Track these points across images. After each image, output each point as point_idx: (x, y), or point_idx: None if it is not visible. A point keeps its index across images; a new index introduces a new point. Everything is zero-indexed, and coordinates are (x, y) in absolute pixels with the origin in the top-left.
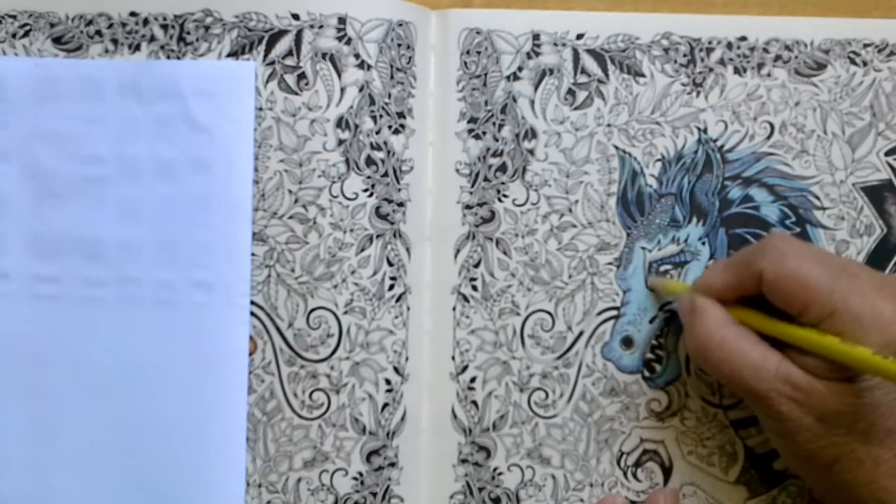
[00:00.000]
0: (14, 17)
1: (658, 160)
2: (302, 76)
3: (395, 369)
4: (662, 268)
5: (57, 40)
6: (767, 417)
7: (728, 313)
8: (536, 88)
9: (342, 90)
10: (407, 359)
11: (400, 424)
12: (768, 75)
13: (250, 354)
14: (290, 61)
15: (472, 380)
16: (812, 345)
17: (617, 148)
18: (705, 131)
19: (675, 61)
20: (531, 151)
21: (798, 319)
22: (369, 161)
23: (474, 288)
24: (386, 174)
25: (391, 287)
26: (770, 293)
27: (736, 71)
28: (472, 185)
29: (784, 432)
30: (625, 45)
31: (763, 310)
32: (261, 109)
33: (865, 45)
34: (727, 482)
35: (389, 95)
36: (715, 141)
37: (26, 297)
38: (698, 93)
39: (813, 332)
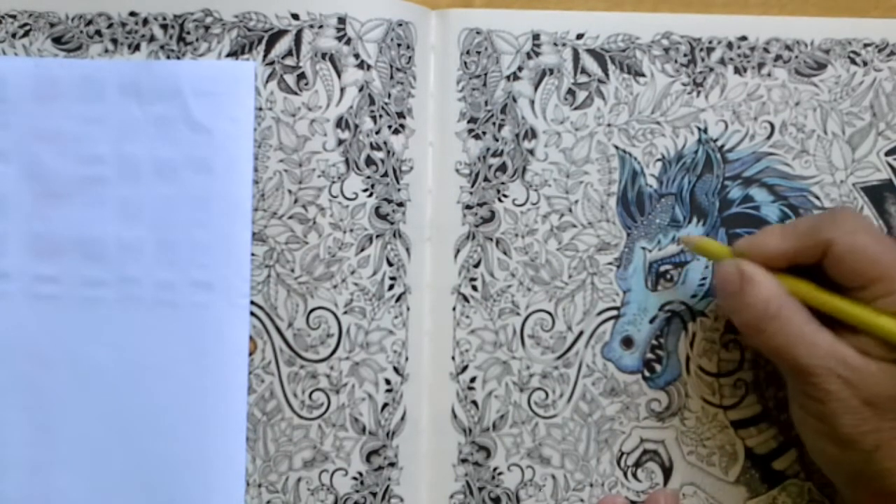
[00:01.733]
0: (14, 17)
1: (658, 160)
2: (302, 76)
3: (395, 369)
4: (662, 268)
5: (57, 40)
6: (809, 397)
7: (781, 283)
8: (536, 88)
9: (342, 90)
10: (407, 359)
11: (400, 424)
12: (768, 75)
13: (250, 354)
14: (289, 61)
15: (472, 380)
16: (866, 322)
17: (617, 148)
18: (705, 131)
19: (676, 61)
20: (531, 151)
21: (854, 295)
22: (369, 161)
23: (474, 288)
24: (386, 174)
25: (391, 287)
26: (835, 265)
27: (736, 71)
28: (472, 185)
29: (826, 414)
30: (625, 44)
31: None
32: (261, 109)
33: (865, 45)
34: (727, 482)
35: (389, 95)
36: (715, 141)
37: (26, 297)
38: (698, 93)
39: (868, 310)
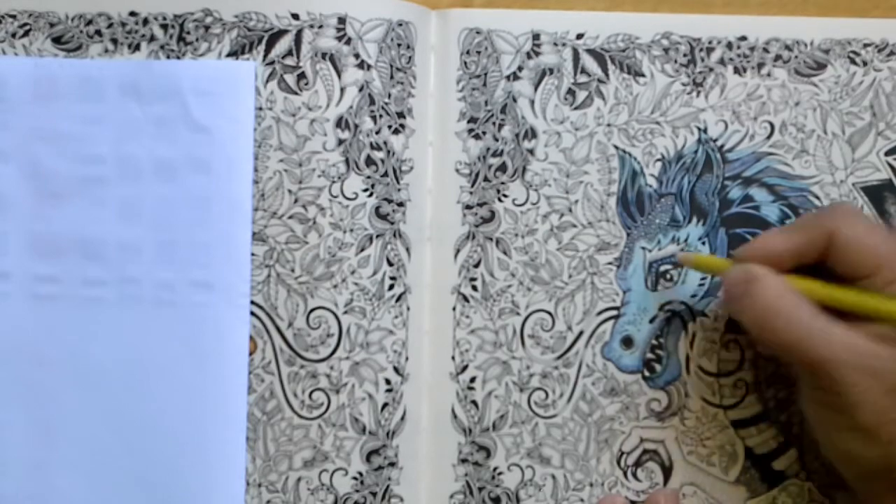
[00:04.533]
0: (14, 16)
1: (658, 160)
2: (302, 76)
3: (395, 369)
4: (662, 268)
5: (57, 40)
6: (826, 391)
7: (787, 281)
8: (536, 88)
9: (342, 90)
10: (407, 359)
11: (400, 424)
12: (768, 75)
13: (250, 354)
14: (289, 61)
15: (472, 380)
16: (879, 309)
17: (617, 148)
18: (705, 131)
19: (675, 61)
20: (531, 151)
21: (862, 284)
22: (369, 161)
23: (474, 288)
24: (386, 174)
25: (391, 287)
26: (839, 254)
27: (736, 71)
28: (472, 185)
29: (844, 406)
30: (625, 44)
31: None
32: (261, 109)
33: (865, 45)
34: (727, 482)
35: (389, 95)
36: (715, 141)
37: (26, 297)
38: (698, 93)
39: (879, 297)
